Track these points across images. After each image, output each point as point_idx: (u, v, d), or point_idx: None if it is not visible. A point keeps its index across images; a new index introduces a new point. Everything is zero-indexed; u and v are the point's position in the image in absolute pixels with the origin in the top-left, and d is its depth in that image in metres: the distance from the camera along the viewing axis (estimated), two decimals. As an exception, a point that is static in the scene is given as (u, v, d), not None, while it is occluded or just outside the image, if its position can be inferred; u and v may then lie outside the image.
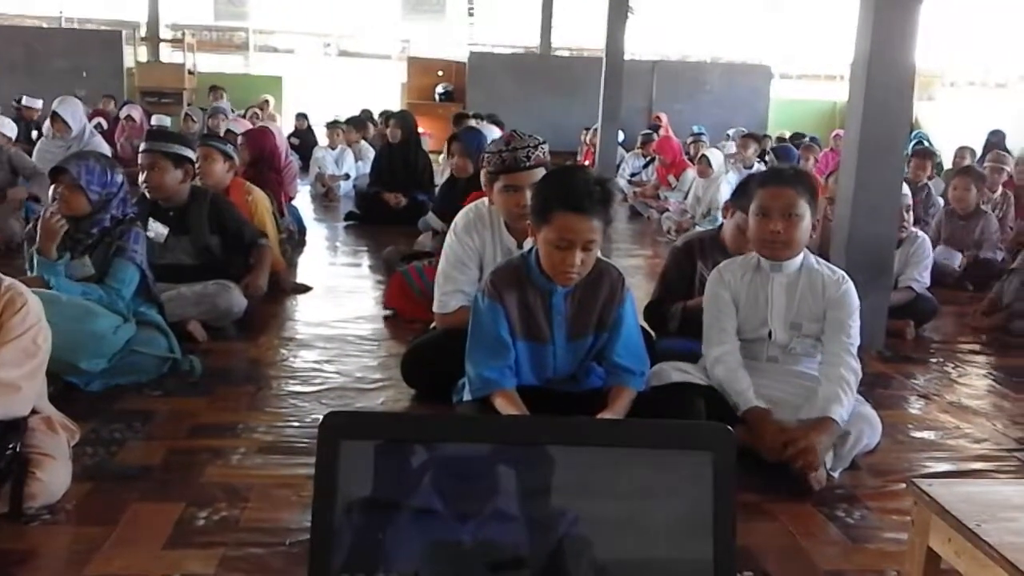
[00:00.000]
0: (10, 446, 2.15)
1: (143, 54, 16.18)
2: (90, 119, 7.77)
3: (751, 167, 8.29)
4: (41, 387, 2.36)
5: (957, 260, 5.48)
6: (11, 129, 6.43)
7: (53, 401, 2.48)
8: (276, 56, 19.35)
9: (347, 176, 8.77)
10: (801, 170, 2.89)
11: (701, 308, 2.95)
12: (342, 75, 18.31)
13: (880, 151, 3.86)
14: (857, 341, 2.67)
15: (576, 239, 2.39)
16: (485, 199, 3.20)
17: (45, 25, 16.52)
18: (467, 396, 2.62)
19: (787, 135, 11.35)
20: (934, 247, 4.81)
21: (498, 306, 2.55)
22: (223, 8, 18.46)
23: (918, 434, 3.05)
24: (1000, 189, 6.72)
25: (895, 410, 3.26)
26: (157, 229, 3.83)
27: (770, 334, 2.73)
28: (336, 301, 4.53)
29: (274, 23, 19.74)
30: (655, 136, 9.82)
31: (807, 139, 10.46)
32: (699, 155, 7.90)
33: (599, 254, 2.64)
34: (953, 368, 3.88)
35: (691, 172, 8.04)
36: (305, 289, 4.68)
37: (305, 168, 9.50)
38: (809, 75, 21.54)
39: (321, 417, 0.95)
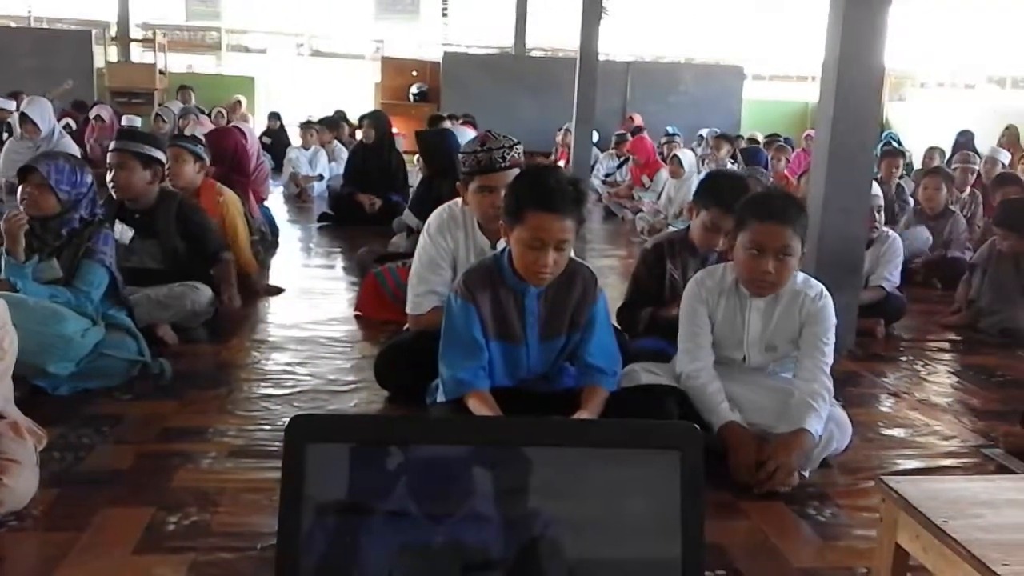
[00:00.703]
0: (-25, 452, 2.12)
1: (113, 54, 16.00)
2: (59, 119, 7.67)
3: (724, 168, 8.34)
4: (7, 391, 2.32)
5: (924, 235, 5.53)
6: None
7: (20, 405, 2.44)
8: (248, 56, 19.22)
9: (320, 177, 8.73)
10: (791, 197, 2.81)
11: (670, 317, 2.96)
12: (315, 75, 18.20)
13: (850, 151, 3.90)
14: (831, 360, 2.65)
15: (549, 239, 2.40)
16: (459, 200, 3.20)
17: (14, 24, 16.29)
18: (440, 397, 2.62)
19: (759, 137, 11.42)
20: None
21: (471, 307, 2.55)
22: (195, 8, 18.33)
23: (888, 432, 3.08)
24: (968, 189, 6.81)
25: (865, 408, 3.30)
26: (122, 231, 3.78)
27: (744, 358, 2.73)
28: (309, 303, 4.50)
29: (246, 23, 19.60)
30: (628, 137, 9.85)
31: (781, 140, 10.54)
32: (671, 155, 7.94)
33: (572, 254, 2.64)
34: (922, 366, 3.92)
35: (664, 172, 8.08)
36: (277, 291, 4.64)
37: (278, 169, 9.45)
38: (781, 76, 21.72)
39: (292, 420, 0.94)
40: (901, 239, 4.61)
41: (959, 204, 6.45)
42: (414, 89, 15.35)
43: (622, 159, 9.68)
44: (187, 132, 6.61)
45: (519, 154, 3.10)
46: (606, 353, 2.67)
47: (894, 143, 9.74)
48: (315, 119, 9.88)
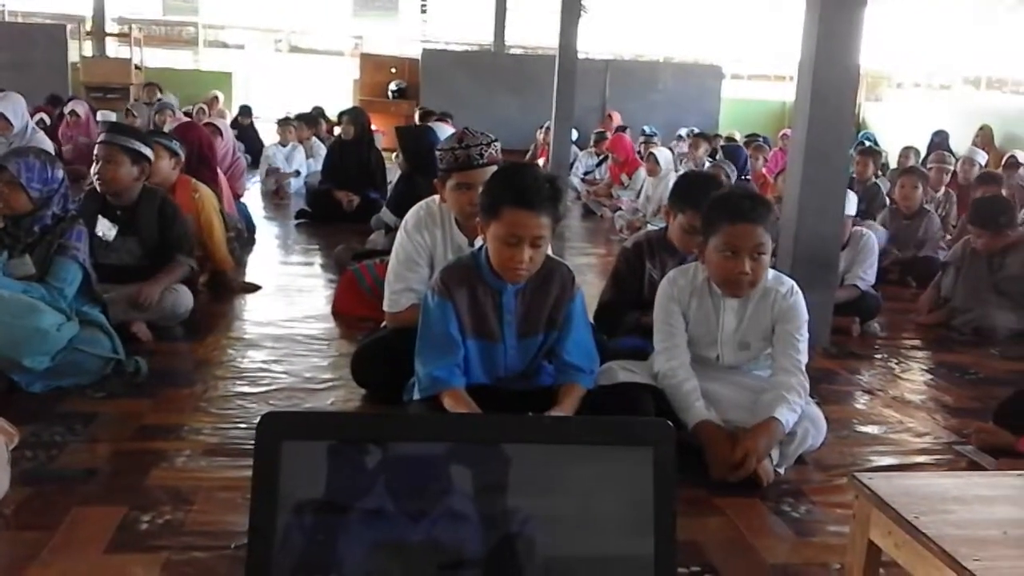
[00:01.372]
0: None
1: (88, 49, 15.83)
2: (32, 115, 7.58)
3: (702, 166, 8.38)
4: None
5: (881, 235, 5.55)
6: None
7: (-9, 404, 2.42)
8: (226, 51, 19.09)
9: (297, 173, 8.68)
10: (757, 196, 2.84)
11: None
12: (293, 71, 18.11)
13: (826, 150, 3.93)
14: (805, 358, 2.66)
15: (525, 235, 2.40)
16: (436, 197, 3.19)
17: (-13, 18, 16.12)
18: (416, 395, 2.61)
19: (737, 136, 11.48)
20: (881, 246, 4.90)
21: (448, 304, 2.55)
22: (171, 2, 18.17)
23: (862, 429, 3.11)
24: (943, 189, 6.88)
25: (840, 405, 3.32)
26: (105, 228, 3.74)
27: (718, 357, 2.75)
28: (286, 300, 4.47)
29: (224, 18, 19.47)
30: (607, 135, 9.88)
31: (759, 139, 10.60)
32: (647, 154, 7.97)
33: (550, 252, 2.64)
34: (896, 364, 3.96)
35: (643, 171, 8.10)
36: (254, 288, 4.61)
37: (254, 165, 9.39)
38: (759, 76, 21.86)
39: (267, 418, 0.93)
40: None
41: (934, 204, 6.51)
42: (393, 86, 15.30)
43: (601, 157, 9.70)
44: (165, 128, 6.54)
45: (497, 151, 3.10)
46: (583, 351, 2.67)
47: (869, 143, 9.83)
48: (293, 115, 9.82)
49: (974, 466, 2.81)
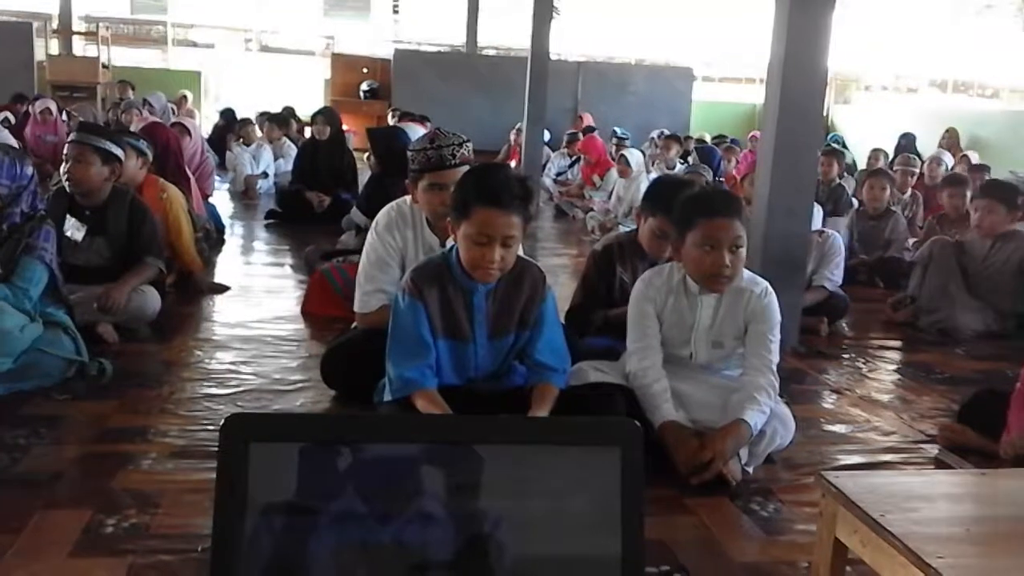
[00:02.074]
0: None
1: (55, 47, 15.62)
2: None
3: (673, 168, 8.43)
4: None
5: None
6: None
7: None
8: (195, 51, 18.92)
9: (265, 175, 8.62)
10: (730, 193, 2.89)
11: (622, 317, 2.97)
12: (264, 71, 17.98)
13: (794, 152, 3.96)
14: (777, 358, 2.68)
15: (495, 234, 2.39)
16: (408, 197, 3.18)
17: (-49, 16, 15.85)
18: (388, 396, 2.60)
19: (707, 137, 11.56)
20: (846, 247, 4.95)
21: (419, 305, 2.53)
22: (140, 1, 17.97)
23: (830, 428, 3.14)
24: (909, 190, 6.98)
25: (809, 405, 3.35)
26: (73, 228, 3.69)
27: (691, 355, 2.76)
28: (255, 301, 4.44)
29: (193, 17, 19.30)
30: (580, 137, 9.90)
31: (728, 141, 10.68)
32: (619, 155, 8.01)
33: (522, 252, 2.64)
34: (864, 363, 4.00)
35: (615, 172, 8.14)
36: (222, 289, 4.57)
37: (222, 165, 9.33)
38: (730, 78, 22.03)
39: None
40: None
41: (900, 205, 6.60)
42: (364, 86, 15.26)
43: (573, 158, 9.73)
44: (132, 128, 6.46)
45: (469, 152, 3.09)
46: (555, 351, 2.67)
47: (838, 145, 9.95)
48: (255, 117, 9.77)
49: (941, 465, 2.85)
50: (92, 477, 2.40)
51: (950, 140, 11.19)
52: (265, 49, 19.64)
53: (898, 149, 10.82)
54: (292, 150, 8.74)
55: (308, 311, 4.19)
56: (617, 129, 11.02)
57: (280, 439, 1.17)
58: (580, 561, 1.12)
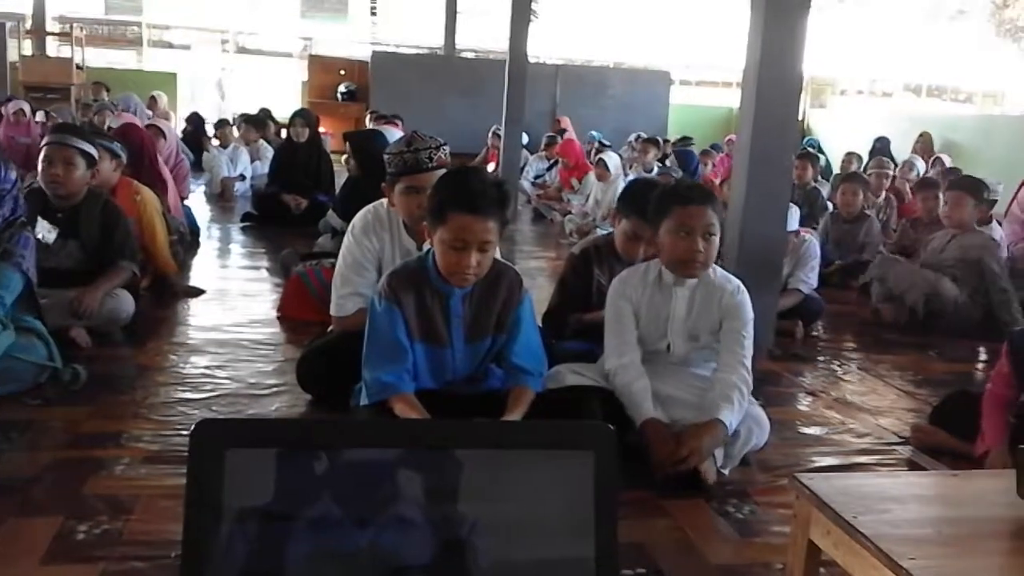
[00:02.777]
0: None
1: (28, 48, 15.45)
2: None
3: (651, 171, 8.47)
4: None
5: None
6: None
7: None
8: (171, 52, 18.79)
9: (242, 177, 8.56)
10: (703, 185, 2.94)
11: (597, 320, 2.99)
12: (241, 72, 17.87)
13: (770, 155, 3.99)
14: (750, 353, 2.71)
15: (472, 239, 2.39)
16: (384, 200, 3.17)
17: (-79, 15, 15.61)
18: (364, 401, 2.59)
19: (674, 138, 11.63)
20: (821, 250, 5.00)
21: (395, 309, 2.53)
22: (114, 1, 17.83)
23: (805, 430, 3.16)
24: (883, 194, 7.05)
25: (784, 407, 3.37)
26: (45, 230, 3.65)
27: (668, 347, 2.78)
28: (230, 305, 4.41)
29: (169, 18, 19.16)
30: (558, 140, 9.93)
31: (707, 145, 10.74)
32: (596, 159, 8.04)
33: (499, 255, 2.64)
34: (838, 366, 4.03)
35: (593, 175, 8.16)
36: (197, 292, 4.54)
37: (198, 166, 9.27)
38: (707, 82, 22.17)
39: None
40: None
41: (875, 208, 6.67)
42: (342, 88, 15.21)
43: (552, 161, 9.74)
44: (106, 127, 6.40)
45: (446, 155, 3.09)
46: (532, 354, 2.67)
47: (814, 148, 10.04)
48: (231, 119, 9.72)
49: (914, 466, 2.88)
50: (64, 483, 2.37)
51: (923, 144, 11.32)
52: (242, 50, 19.53)
53: (873, 153, 10.93)
54: (269, 152, 8.69)
55: (284, 315, 4.17)
56: (594, 133, 11.05)
57: (256, 444, 1.16)
58: (555, 564, 1.12)
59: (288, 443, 1.16)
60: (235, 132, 9.22)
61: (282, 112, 10.31)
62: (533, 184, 9.70)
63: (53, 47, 16.03)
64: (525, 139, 10.55)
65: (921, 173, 7.88)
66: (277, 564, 1.12)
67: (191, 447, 1.07)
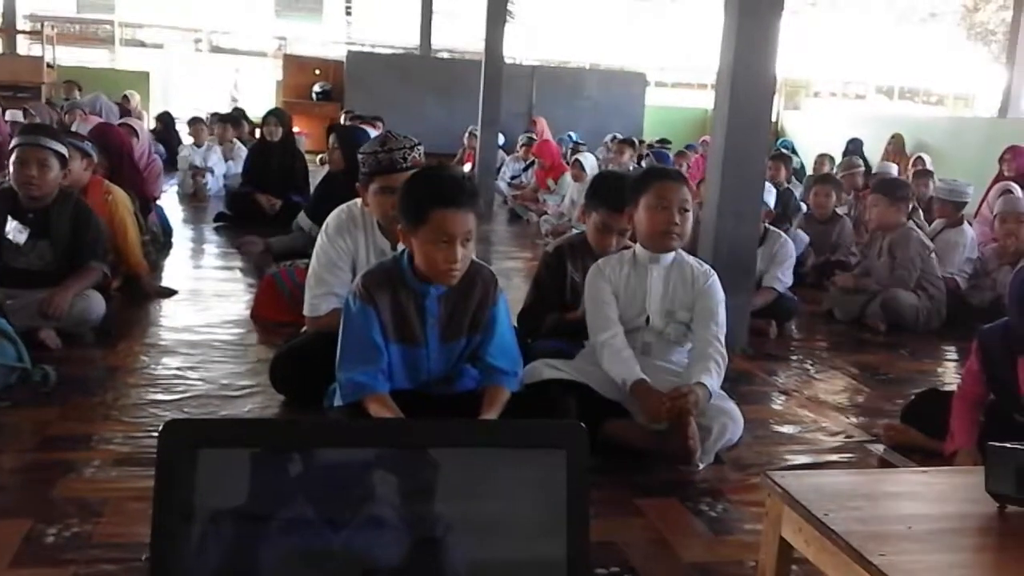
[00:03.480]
0: None
1: (-1, 46, 15.27)
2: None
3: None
4: None
5: (803, 239, 5.82)
6: None
7: None
8: (143, 51, 18.61)
9: (211, 171, 8.49)
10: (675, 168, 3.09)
11: (576, 320, 3.01)
12: (214, 71, 17.74)
13: (743, 157, 4.01)
14: (724, 330, 2.83)
15: (457, 233, 2.39)
16: (358, 200, 3.16)
17: None
18: (338, 401, 2.57)
19: (654, 140, 11.68)
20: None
21: (370, 309, 2.51)
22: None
23: (778, 429, 3.18)
24: (853, 193, 7.14)
25: (757, 406, 3.39)
26: (16, 230, 3.60)
27: (647, 320, 2.86)
28: (203, 305, 4.37)
29: (141, 16, 18.99)
30: (534, 140, 9.94)
31: (682, 146, 10.80)
32: (573, 159, 8.05)
33: (473, 256, 2.64)
34: (811, 365, 4.06)
35: (569, 176, 8.18)
36: (169, 293, 4.49)
37: (171, 165, 9.20)
38: (683, 84, 22.29)
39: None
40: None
41: (846, 206, 6.74)
42: (317, 88, 15.14)
43: (528, 162, 9.75)
44: (74, 128, 6.33)
45: (420, 155, 3.09)
46: (507, 354, 2.67)
47: (787, 150, 10.12)
48: (204, 116, 9.64)
49: (885, 464, 2.90)
50: (33, 486, 2.34)
51: (895, 145, 11.43)
52: (216, 49, 19.39)
53: (846, 154, 11.03)
54: (243, 152, 8.63)
55: (257, 315, 4.14)
56: (572, 134, 11.07)
57: (229, 445, 1.15)
58: (529, 564, 1.12)
59: (261, 443, 1.15)
60: (206, 131, 9.13)
61: (256, 112, 10.25)
62: (509, 185, 9.70)
63: (24, 46, 15.84)
64: (501, 140, 10.55)
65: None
66: (250, 565, 1.12)
67: (160, 448, 1.05)
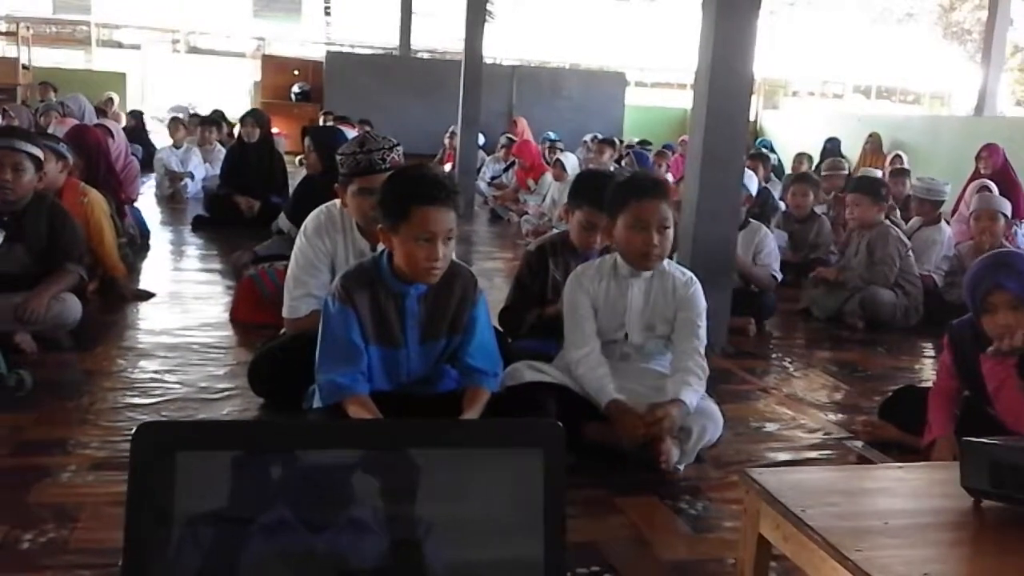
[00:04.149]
0: None
1: (-28, 47, 15.12)
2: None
3: (606, 171, 8.51)
4: None
5: (782, 238, 5.85)
6: None
7: None
8: (121, 52, 18.46)
9: (191, 175, 8.44)
10: (658, 178, 3.03)
11: (556, 314, 3.00)
12: (192, 72, 17.62)
13: (721, 156, 4.03)
14: (704, 342, 2.81)
15: (439, 230, 2.38)
16: (337, 201, 3.14)
17: None
18: (317, 403, 2.56)
19: (633, 141, 11.71)
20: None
21: (349, 310, 2.50)
22: (62, 0, 17.47)
23: (757, 426, 3.20)
24: (833, 193, 7.19)
25: (737, 404, 3.40)
26: None
27: (626, 336, 2.83)
28: (181, 308, 4.34)
29: (118, 17, 18.83)
30: (515, 140, 9.94)
31: (661, 146, 10.83)
32: (554, 159, 8.06)
33: (453, 256, 2.63)
34: (790, 363, 4.09)
35: (549, 176, 8.19)
36: (147, 296, 4.46)
37: (146, 167, 9.12)
38: (662, 83, 22.36)
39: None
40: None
41: (825, 205, 6.78)
42: (296, 88, 15.08)
43: (508, 162, 9.75)
44: (50, 130, 6.27)
45: (399, 155, 3.07)
46: (487, 354, 2.67)
47: (766, 149, 10.18)
48: (183, 115, 9.57)
49: (863, 460, 2.92)
50: (8, 491, 2.31)
51: (873, 144, 11.53)
52: (193, 50, 19.26)
53: (824, 153, 11.11)
54: (221, 153, 8.57)
55: (236, 318, 4.11)
56: (551, 133, 11.08)
57: (208, 447, 1.14)
58: (506, 562, 1.12)
59: (241, 445, 1.15)
60: (184, 132, 9.07)
61: (235, 113, 10.20)
62: (490, 185, 9.70)
63: (-1, 46, 15.70)
64: (481, 140, 10.54)
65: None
66: (230, 569, 1.11)
67: (133, 450, 1.04)
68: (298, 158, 9.92)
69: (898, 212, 6.59)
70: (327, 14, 18.20)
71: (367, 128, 8.86)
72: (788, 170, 9.78)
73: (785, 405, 3.45)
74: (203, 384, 3.23)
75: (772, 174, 8.31)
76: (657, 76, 22.47)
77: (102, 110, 10.95)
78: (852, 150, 11.71)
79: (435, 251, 2.39)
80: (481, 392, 2.59)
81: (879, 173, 8.41)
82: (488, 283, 4.88)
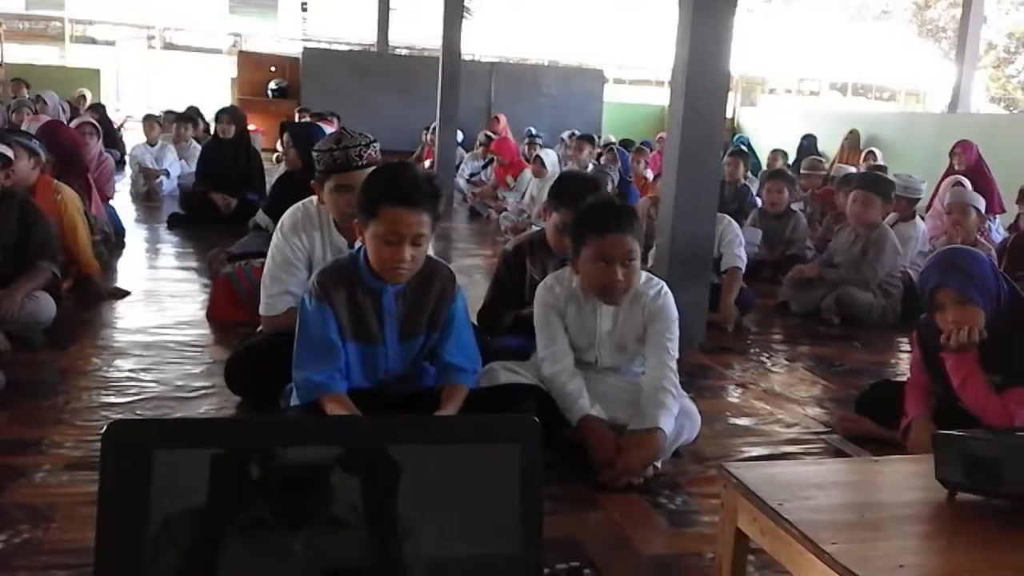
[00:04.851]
0: None
1: (-57, 43, 14.91)
2: None
3: (586, 168, 8.52)
4: None
5: (757, 235, 5.89)
6: None
7: None
8: (95, 48, 18.27)
9: (167, 172, 8.36)
10: (621, 205, 2.90)
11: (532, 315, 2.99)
12: (168, 69, 17.47)
13: (698, 152, 4.04)
14: (676, 354, 2.74)
15: (406, 232, 2.37)
16: (314, 198, 3.13)
17: None
18: (295, 401, 2.55)
19: (612, 139, 11.73)
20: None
21: (326, 307, 2.49)
22: (35, -5, 17.29)
23: (735, 421, 3.21)
24: (810, 191, 7.24)
25: (714, 399, 3.42)
26: None
27: (596, 360, 2.80)
28: (157, 306, 4.30)
29: (92, 13, 18.63)
30: (494, 138, 9.93)
31: (639, 143, 10.86)
32: (534, 156, 8.06)
33: (432, 253, 2.62)
34: (767, 358, 4.11)
35: (528, 172, 8.19)
36: (122, 294, 4.41)
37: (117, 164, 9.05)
38: (640, 81, 22.42)
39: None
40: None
41: (802, 202, 6.83)
42: (273, 85, 14.99)
43: (487, 159, 9.74)
44: (23, 127, 6.20)
45: (376, 152, 3.06)
46: (465, 351, 2.67)
47: (744, 146, 10.23)
48: (157, 112, 9.48)
49: (839, 453, 2.94)
50: (-20, 492, 2.29)
51: (851, 141, 11.61)
52: (169, 46, 19.10)
53: (800, 150, 11.20)
54: (197, 151, 8.50)
55: (213, 316, 4.08)
56: (532, 128, 11.07)
57: (185, 445, 1.13)
58: (484, 556, 1.12)
59: (219, 443, 1.14)
60: (159, 129, 8.98)
61: (211, 109, 10.12)
62: (468, 182, 9.68)
63: (-30, 42, 15.48)
64: (460, 137, 10.53)
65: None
66: (208, 568, 1.10)
67: (104, 448, 1.04)
68: (275, 155, 9.87)
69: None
70: (304, 10, 18.09)
71: (332, 120, 8.83)
72: (765, 167, 9.84)
73: (762, 400, 3.47)
74: (179, 382, 3.21)
75: (750, 171, 8.35)
76: (635, 73, 22.53)
77: (75, 107, 10.84)
78: (828, 147, 11.79)
79: (400, 252, 2.37)
80: (459, 389, 2.59)
81: (853, 169, 8.49)
82: (467, 280, 4.87)
